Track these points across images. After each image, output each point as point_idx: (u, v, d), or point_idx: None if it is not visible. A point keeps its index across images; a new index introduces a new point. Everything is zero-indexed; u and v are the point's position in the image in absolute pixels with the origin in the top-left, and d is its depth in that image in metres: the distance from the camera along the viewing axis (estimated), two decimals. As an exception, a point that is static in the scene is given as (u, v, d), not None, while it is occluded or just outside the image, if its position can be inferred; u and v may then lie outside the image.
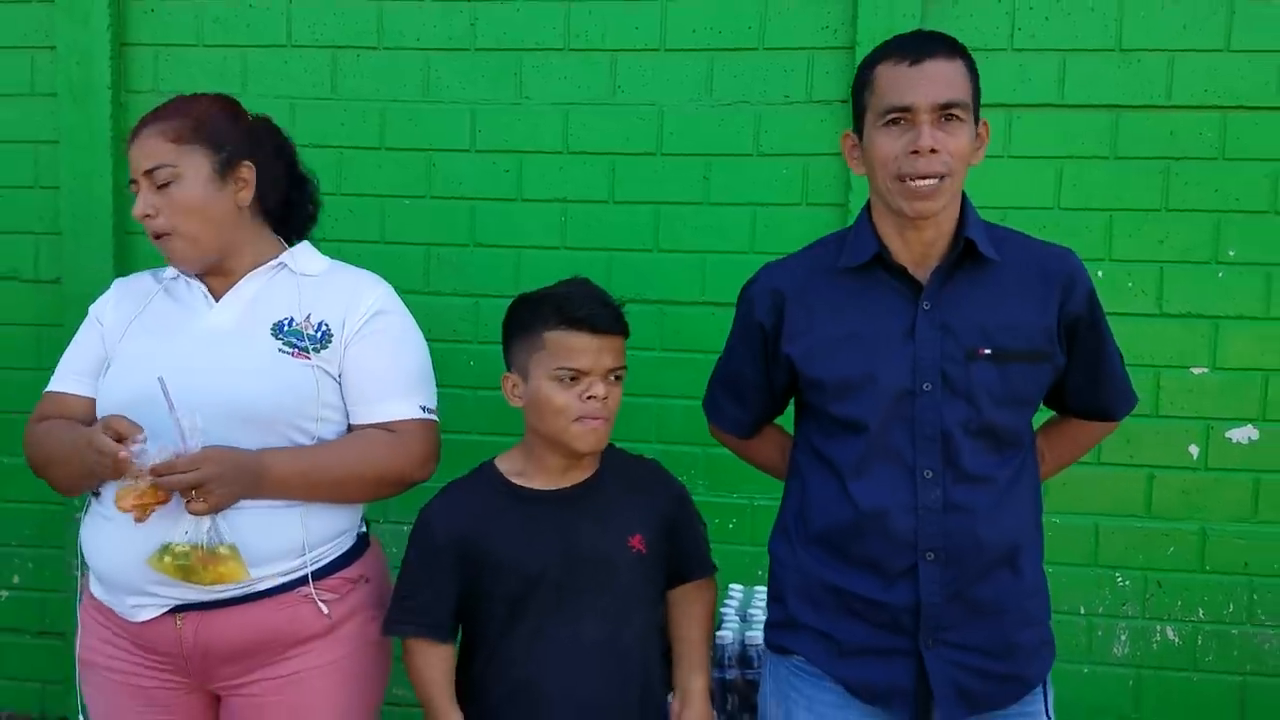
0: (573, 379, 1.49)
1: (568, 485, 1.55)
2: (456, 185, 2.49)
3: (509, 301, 2.53)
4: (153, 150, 1.53)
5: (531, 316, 1.54)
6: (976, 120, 1.41)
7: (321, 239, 2.50)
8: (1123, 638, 2.39)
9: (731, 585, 2.09)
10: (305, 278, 1.62)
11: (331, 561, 1.58)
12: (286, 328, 1.56)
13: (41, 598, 2.67)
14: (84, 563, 1.62)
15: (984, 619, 1.39)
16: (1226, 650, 2.36)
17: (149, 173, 1.53)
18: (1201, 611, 2.37)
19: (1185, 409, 2.34)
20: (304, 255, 1.66)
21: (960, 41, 1.42)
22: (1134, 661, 2.39)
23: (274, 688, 1.54)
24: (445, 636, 1.54)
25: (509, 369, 1.59)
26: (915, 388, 1.39)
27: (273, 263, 1.62)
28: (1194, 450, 2.34)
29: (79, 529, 1.61)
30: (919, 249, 1.42)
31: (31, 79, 2.57)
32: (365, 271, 1.70)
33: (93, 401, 1.59)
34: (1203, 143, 2.29)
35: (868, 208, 1.48)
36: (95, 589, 1.58)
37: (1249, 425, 2.32)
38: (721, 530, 2.48)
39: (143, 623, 1.51)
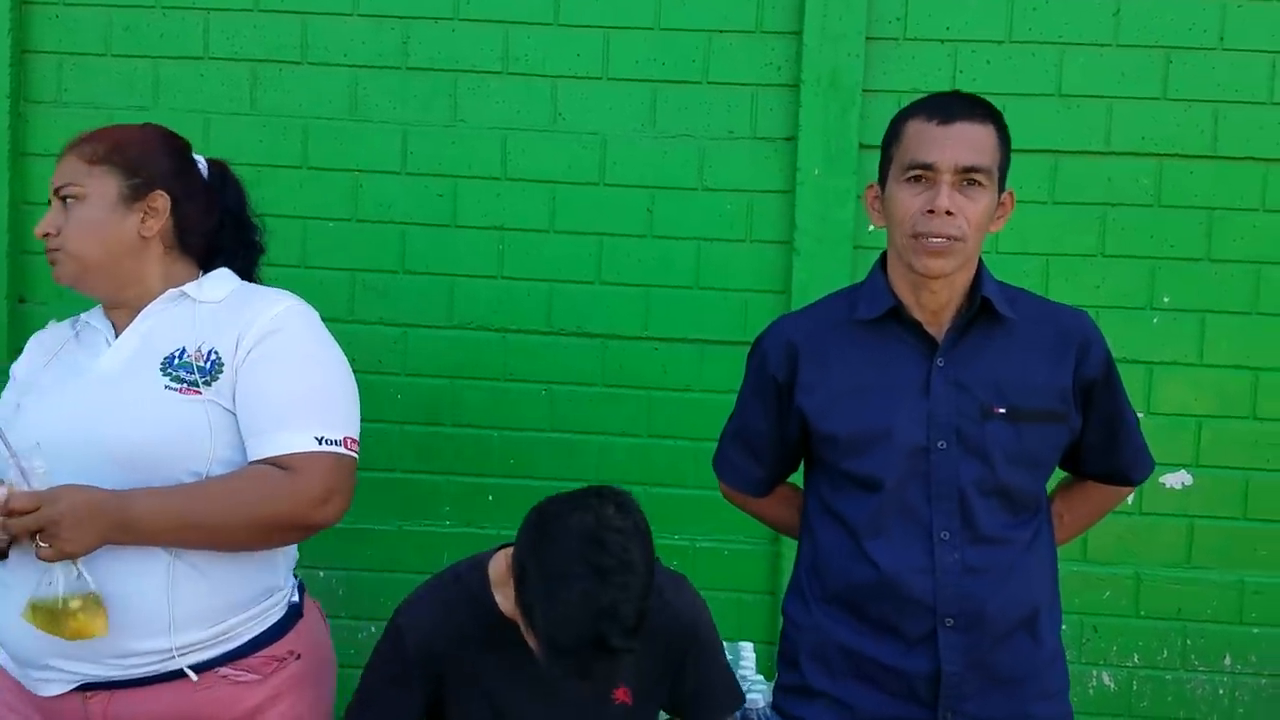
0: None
1: None
2: (385, 209, 2.37)
3: (439, 332, 2.48)
4: (67, 169, 1.46)
5: (530, 590, 1.30)
6: (1001, 188, 1.39)
7: (238, 262, 2.38)
8: (1060, 683, 2.38)
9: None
10: (204, 305, 1.47)
11: (255, 637, 1.42)
12: (176, 361, 1.40)
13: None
14: None
15: (1003, 689, 1.35)
16: (1161, 696, 2.36)
17: (58, 190, 1.45)
18: (1136, 656, 2.37)
19: (1122, 453, 2.35)
20: (211, 282, 1.51)
21: (995, 108, 1.40)
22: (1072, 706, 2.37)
23: None
24: None
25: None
26: (930, 444, 1.35)
27: (172, 293, 1.48)
28: (1129, 495, 2.35)
29: None
30: (933, 308, 1.39)
31: (-82, 83, 2.36)
32: (276, 290, 1.53)
33: None
34: (1139, 189, 2.32)
35: (882, 261, 1.45)
36: (3, 660, 1.43)
37: (1183, 470, 2.34)
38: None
39: (48, 698, 1.37)
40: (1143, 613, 2.36)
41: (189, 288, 1.48)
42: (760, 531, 2.25)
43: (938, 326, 1.40)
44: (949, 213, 1.31)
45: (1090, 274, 2.34)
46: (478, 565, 1.45)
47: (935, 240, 1.32)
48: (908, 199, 1.34)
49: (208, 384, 1.38)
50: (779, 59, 2.32)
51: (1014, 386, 1.36)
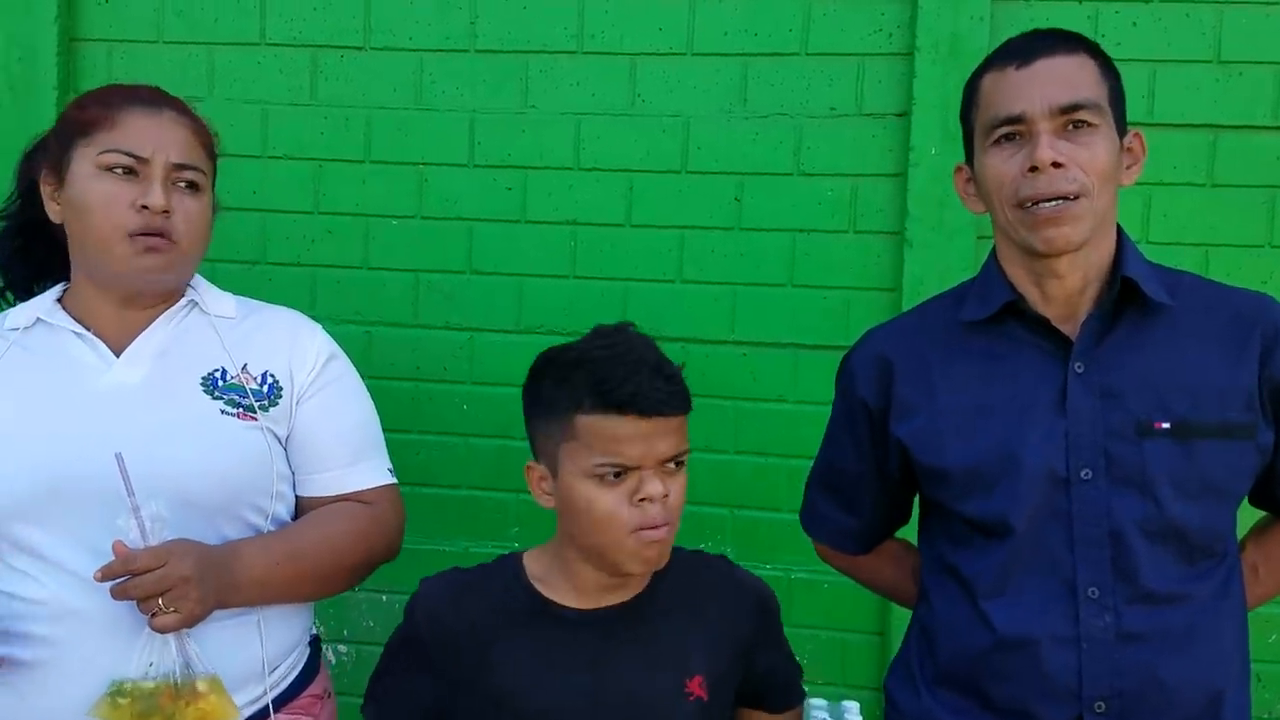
0: (618, 475, 1.11)
1: (606, 605, 1.19)
2: (452, 204, 2.18)
3: (508, 337, 2.31)
4: (183, 143, 1.25)
5: (557, 390, 1.16)
6: (1122, 130, 1.10)
7: (296, 262, 2.23)
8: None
9: (813, 701, 1.75)
10: (221, 319, 1.31)
11: (296, 678, 1.30)
12: (220, 383, 1.25)
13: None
14: None
15: None
16: (1343, 761, 2.02)
17: (178, 167, 1.23)
18: (1312, 714, 2.03)
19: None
20: (210, 293, 1.35)
21: (1090, 39, 1.13)
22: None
23: None
24: None
25: (534, 455, 1.22)
26: (1071, 474, 1.08)
27: (181, 303, 1.30)
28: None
29: None
30: (1063, 300, 1.12)
31: (-30, 77, 2.27)
32: (284, 308, 1.40)
33: None
34: (1315, 168, 1.98)
35: (994, 253, 1.19)
36: None
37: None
38: (748, 605, 2.16)
39: None
40: (1320, 663, 2.02)
41: (192, 295, 1.32)
42: (864, 560, 1.99)
43: (1072, 322, 1.12)
44: (1056, 165, 1.05)
45: (1256, 267, 2.01)
46: (509, 554, 1.28)
47: (1046, 205, 1.06)
48: (1000, 164, 1.09)
49: (264, 409, 1.26)
50: (890, 25, 2.05)
51: (1180, 393, 1.08)
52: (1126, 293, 1.11)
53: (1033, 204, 1.07)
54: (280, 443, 1.28)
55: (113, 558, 1.10)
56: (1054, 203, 1.06)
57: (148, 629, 1.12)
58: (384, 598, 2.24)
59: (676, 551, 1.23)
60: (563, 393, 1.15)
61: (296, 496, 1.32)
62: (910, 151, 2.02)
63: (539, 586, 1.20)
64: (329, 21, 2.19)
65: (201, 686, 1.14)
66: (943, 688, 1.16)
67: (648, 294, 2.16)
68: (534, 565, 1.23)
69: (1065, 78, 1.08)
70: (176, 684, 1.13)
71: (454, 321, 2.20)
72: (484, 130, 2.17)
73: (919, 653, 1.21)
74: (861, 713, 1.75)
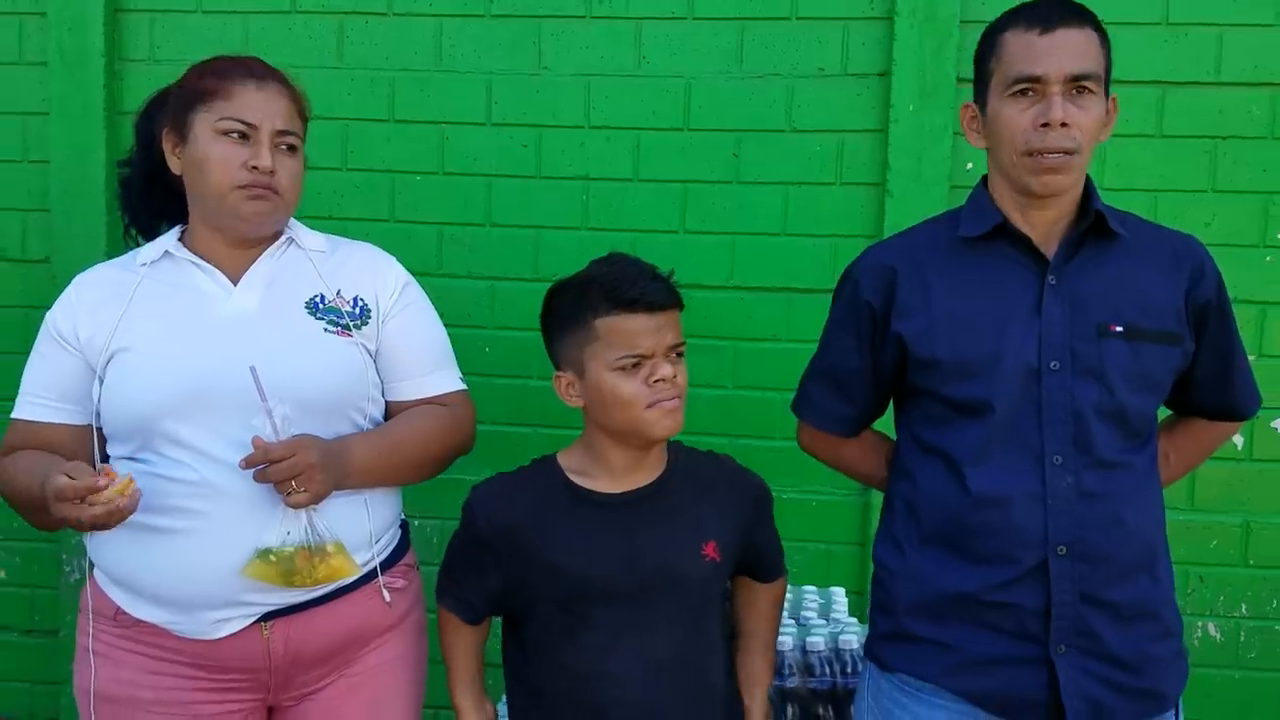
0: (635, 365, 1.36)
1: (634, 488, 1.43)
2: (471, 161, 2.37)
3: (526, 285, 2.49)
4: (285, 112, 1.48)
5: (576, 306, 1.41)
6: (1107, 94, 1.33)
7: (328, 216, 2.41)
8: (1164, 634, 2.32)
9: (806, 588, 1.99)
10: (315, 253, 1.53)
11: (394, 549, 1.54)
12: (321, 306, 1.47)
13: (30, 594, 2.53)
14: (97, 580, 1.46)
15: (1120, 626, 1.30)
16: (1271, 647, 2.29)
17: (281, 133, 1.46)
18: (1245, 607, 2.30)
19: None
20: (302, 231, 1.57)
21: (1091, 11, 1.34)
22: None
23: (347, 688, 1.48)
24: (474, 618, 1.48)
25: (558, 367, 1.45)
26: (1042, 366, 1.30)
27: (281, 240, 1.52)
28: (1238, 440, 2.27)
29: (88, 545, 1.45)
30: (1042, 227, 1.34)
31: (20, 46, 2.41)
32: (366, 244, 1.64)
33: (77, 429, 1.45)
34: (1252, 121, 2.20)
35: (984, 182, 1.40)
36: (138, 610, 1.41)
37: (1293, 415, 2.24)
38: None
39: (220, 639, 1.40)
40: (1251, 562, 2.28)
41: (292, 235, 1.53)
42: (848, 482, 2.21)
43: (1048, 244, 1.34)
44: (1064, 124, 1.26)
45: (1200, 211, 2.24)
46: (545, 456, 1.51)
47: (1051, 156, 1.27)
48: (1016, 115, 1.29)
49: (357, 328, 1.49)
50: (871, -8, 2.25)
51: (1131, 304, 1.31)
52: (1094, 224, 1.33)
53: (1040, 154, 1.27)
54: (370, 356, 1.50)
55: (252, 450, 1.33)
56: (1057, 155, 1.26)
57: (283, 505, 1.35)
58: (416, 522, 2.41)
59: (687, 449, 1.49)
60: (582, 305, 1.39)
61: (386, 400, 1.54)
62: (890, 109, 2.23)
63: (575, 479, 1.43)
64: (354, -10, 2.35)
65: (330, 549, 1.38)
66: (928, 546, 1.37)
67: (654, 243, 2.35)
68: (569, 461, 1.46)
69: (1078, 49, 1.28)
70: (310, 548, 1.37)
71: (475, 271, 2.39)
72: (500, 91, 2.35)
73: (904, 522, 1.42)
74: (847, 599, 2.00)
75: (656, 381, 1.36)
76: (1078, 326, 1.31)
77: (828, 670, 1.60)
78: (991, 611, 1.32)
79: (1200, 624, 2.31)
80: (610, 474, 1.42)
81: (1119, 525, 1.30)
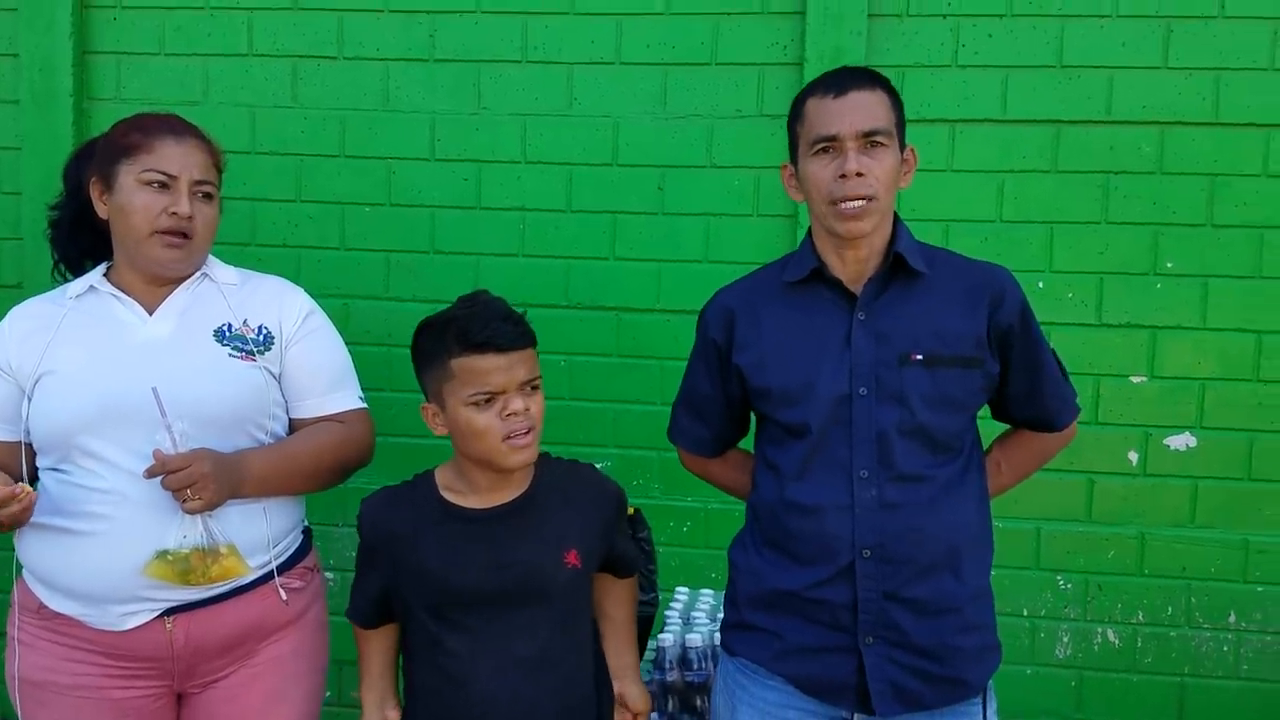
0: (488, 400, 1.47)
1: (499, 504, 1.54)
2: (416, 193, 2.53)
3: (469, 308, 2.65)
4: (202, 164, 1.64)
5: (435, 345, 1.52)
6: (902, 146, 1.48)
7: (282, 244, 2.58)
8: (1065, 639, 2.45)
9: (677, 589, 2.13)
10: (227, 285, 1.70)
11: (292, 553, 1.69)
12: (227, 334, 1.64)
13: None
14: (24, 579, 1.63)
15: (922, 619, 1.44)
16: (1165, 652, 2.42)
17: (198, 182, 1.63)
18: (1141, 614, 2.43)
19: (1125, 416, 2.40)
20: (217, 266, 1.73)
21: (881, 74, 1.51)
22: (1076, 663, 2.45)
23: (248, 677, 1.64)
24: (365, 622, 1.60)
25: (426, 398, 1.57)
26: (852, 392, 1.46)
27: (196, 275, 1.69)
28: (1133, 457, 2.41)
29: (17, 546, 1.62)
30: (855, 266, 1.50)
31: (-6, 86, 2.59)
32: (275, 276, 1.80)
33: (10, 445, 1.61)
34: (1141, 157, 2.36)
35: (809, 232, 1.56)
36: (56, 604, 1.58)
37: (1186, 432, 2.38)
38: (676, 534, 2.53)
39: (127, 631, 1.56)
40: (1147, 571, 2.41)
41: (206, 270, 1.70)
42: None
43: (858, 284, 1.49)
44: (859, 174, 1.41)
45: (1093, 241, 2.39)
46: (426, 471, 1.62)
47: (852, 204, 1.42)
48: (819, 170, 1.45)
49: (260, 353, 1.65)
50: (784, 39, 2.41)
51: (929, 334, 1.45)
52: (896, 264, 1.49)
53: (841, 202, 1.43)
54: (274, 378, 1.67)
55: (153, 461, 1.49)
56: (856, 203, 1.42)
57: (180, 511, 1.51)
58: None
59: (556, 459, 1.63)
60: (439, 345, 1.51)
61: (289, 418, 1.70)
62: (802, 146, 2.38)
63: (447, 495, 1.55)
64: (307, 35, 2.52)
65: (223, 551, 1.55)
66: (765, 548, 1.53)
67: (586, 270, 2.51)
68: (443, 478, 1.58)
69: (869, 109, 1.44)
70: (205, 550, 1.53)
71: (420, 295, 2.55)
72: (443, 129, 2.51)
73: (750, 527, 1.58)
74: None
75: (509, 415, 1.47)
76: (883, 356, 1.45)
77: (704, 664, 1.73)
78: (810, 606, 1.46)
79: (1100, 630, 2.44)
80: (476, 491, 1.54)
81: (917, 531, 1.44)
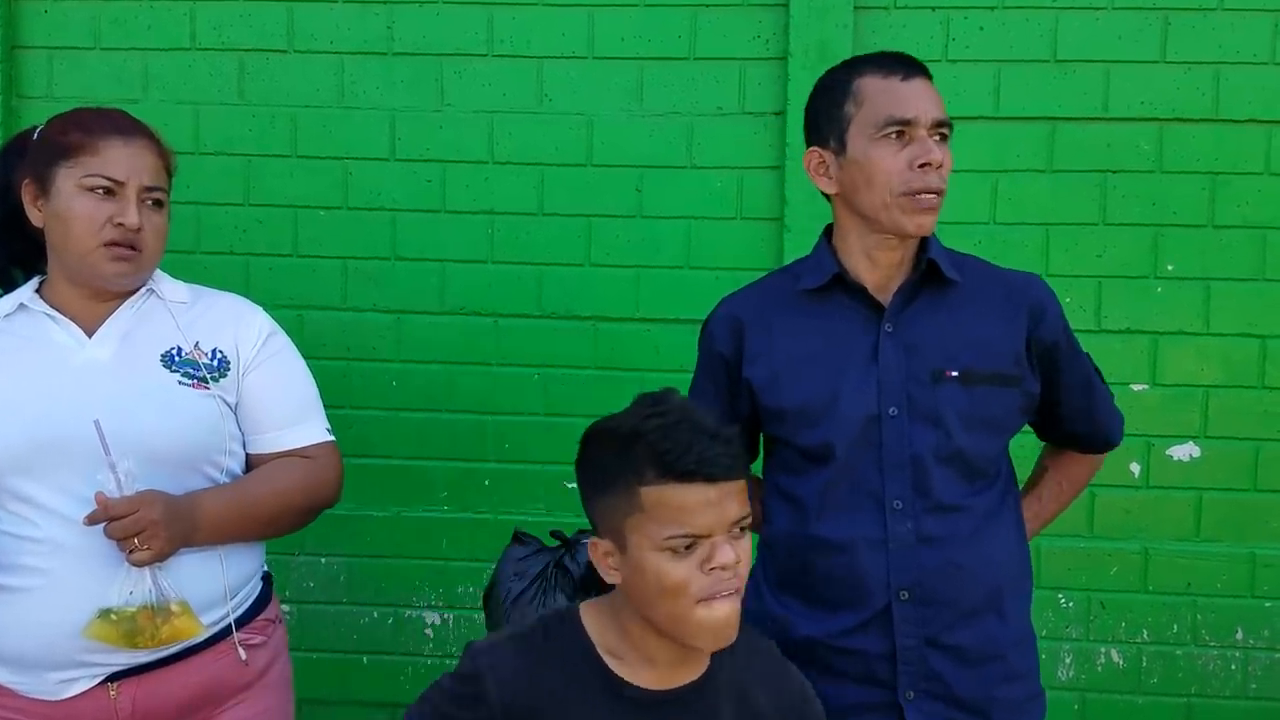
0: (689, 546, 1.09)
1: (677, 685, 1.16)
2: (375, 195, 2.37)
3: (432, 318, 2.50)
4: (152, 168, 1.45)
5: (617, 465, 1.12)
6: None
7: (229, 251, 2.40)
8: (1067, 660, 2.34)
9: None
10: (176, 304, 1.51)
11: (251, 605, 1.50)
12: (177, 358, 1.45)
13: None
14: None
15: (965, 669, 1.30)
16: (1171, 672, 2.32)
17: (148, 189, 1.44)
18: (1146, 633, 2.32)
19: (1126, 426, 2.27)
20: (165, 281, 1.54)
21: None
22: (1079, 685, 2.34)
23: None
24: None
25: (595, 530, 1.18)
26: (881, 412, 1.31)
27: (141, 291, 1.49)
28: (1135, 468, 2.30)
29: None
30: (886, 270, 1.36)
31: (-86, 82, 2.39)
32: (230, 294, 1.61)
33: None
34: (1140, 155, 2.26)
35: (827, 232, 1.42)
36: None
37: (1190, 442, 2.28)
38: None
39: (66, 700, 1.36)
40: (1151, 588, 2.31)
41: (153, 286, 1.51)
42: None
43: (884, 293, 1.36)
44: (939, 165, 1.29)
45: (1091, 243, 2.28)
46: (564, 615, 1.23)
47: (928, 197, 1.28)
48: (888, 157, 1.29)
49: (215, 380, 1.46)
50: (766, 32, 2.28)
51: (965, 348, 1.33)
52: (929, 271, 1.35)
53: (919, 194, 1.28)
54: (230, 408, 1.48)
55: (94, 506, 1.30)
56: (933, 196, 1.29)
57: (126, 563, 1.32)
58: (322, 560, 2.42)
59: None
60: (624, 466, 1.11)
61: (247, 454, 1.52)
62: (787, 147, 2.26)
63: (610, 662, 1.16)
64: (255, 27, 2.35)
65: (174, 608, 1.35)
66: (782, 590, 1.38)
67: (560, 277, 2.37)
68: (599, 634, 1.18)
69: (935, 97, 1.32)
70: (153, 607, 1.34)
71: (381, 304, 2.39)
72: (404, 127, 2.35)
73: (762, 564, 1.43)
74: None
75: (713, 569, 1.09)
76: (914, 372, 1.32)
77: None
78: (841, 657, 1.31)
79: (1103, 650, 2.33)
80: (651, 665, 1.16)
81: (957, 569, 1.30)
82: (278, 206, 2.38)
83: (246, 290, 2.38)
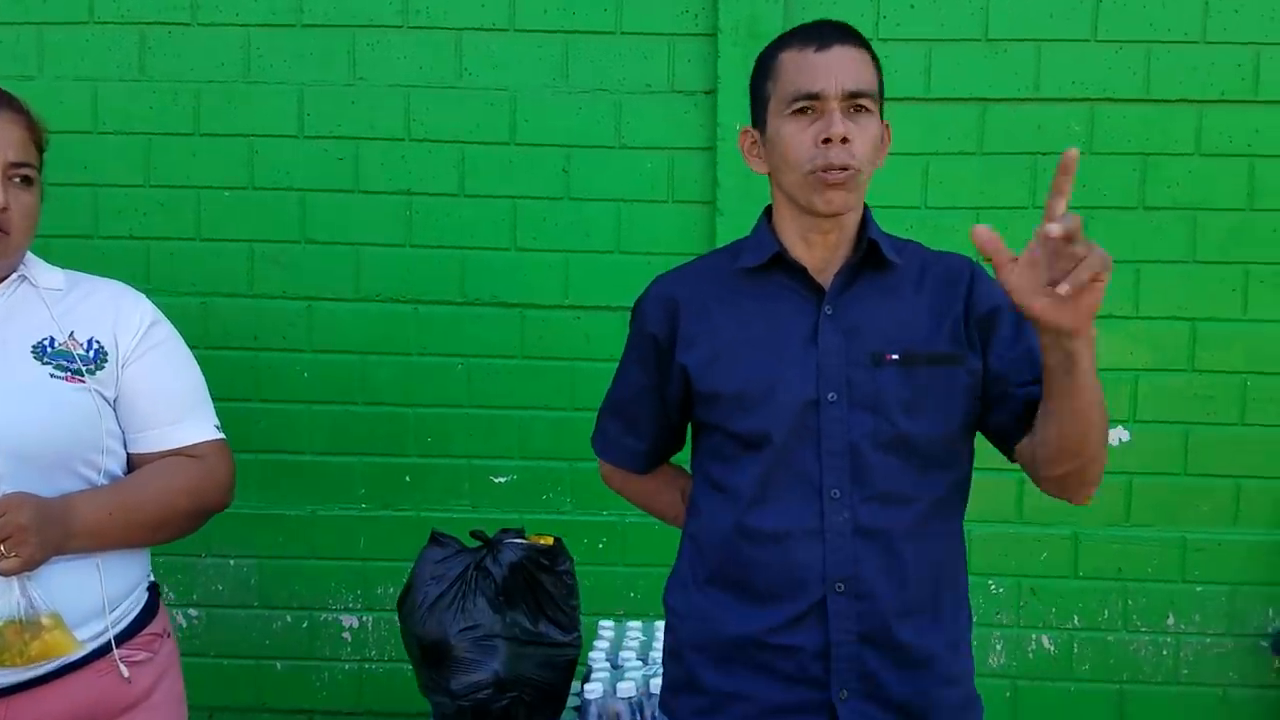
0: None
1: None
2: (283, 175, 2.24)
3: (347, 305, 2.35)
4: (18, 142, 1.32)
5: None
6: (881, 117, 1.29)
7: (128, 235, 2.25)
8: (998, 647, 2.31)
9: (601, 623, 1.89)
10: (50, 291, 1.38)
11: (135, 618, 1.38)
12: (49, 349, 1.33)
13: None
14: None
15: (900, 670, 1.23)
16: (1103, 658, 2.30)
17: (14, 165, 1.31)
18: (1077, 618, 2.31)
19: (1058, 411, 2.28)
20: (38, 267, 1.41)
21: (864, 35, 1.30)
22: (1010, 672, 2.32)
23: None
24: None
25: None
26: (820, 397, 1.24)
27: (11, 278, 1.37)
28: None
29: None
30: (822, 252, 1.29)
31: None
32: (111, 280, 1.48)
33: None
34: (1071, 136, 2.23)
35: (767, 212, 1.35)
36: None
37: (1120, 427, 2.27)
38: (591, 551, 2.31)
39: None
40: (1082, 573, 2.30)
41: (25, 273, 1.38)
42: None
43: (825, 274, 1.29)
44: (844, 140, 1.21)
45: (1022, 226, 2.16)
46: None
47: (835, 173, 1.22)
48: (796, 133, 1.23)
49: (91, 373, 1.35)
50: (695, 6, 2.21)
51: (906, 330, 1.27)
52: (869, 252, 1.29)
53: (823, 171, 1.21)
54: (109, 403, 1.36)
55: None
56: (839, 171, 1.21)
57: None
58: (231, 561, 2.30)
59: None
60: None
61: (128, 453, 1.40)
62: (718, 127, 2.18)
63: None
64: (154, -2, 2.21)
65: (45, 622, 1.24)
66: (711, 586, 1.30)
67: (484, 261, 2.27)
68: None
69: (854, 67, 1.23)
70: (22, 621, 1.22)
71: (290, 291, 2.26)
72: (313, 102, 2.23)
73: (690, 561, 1.34)
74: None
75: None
76: (854, 355, 1.26)
77: (638, 718, 1.51)
78: (774, 654, 1.24)
79: (1034, 636, 2.31)
80: None
81: (896, 563, 1.24)
82: (180, 188, 2.24)
83: (147, 277, 2.26)
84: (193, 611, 2.31)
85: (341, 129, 2.23)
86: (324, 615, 2.30)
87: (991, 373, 1.29)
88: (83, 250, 2.22)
